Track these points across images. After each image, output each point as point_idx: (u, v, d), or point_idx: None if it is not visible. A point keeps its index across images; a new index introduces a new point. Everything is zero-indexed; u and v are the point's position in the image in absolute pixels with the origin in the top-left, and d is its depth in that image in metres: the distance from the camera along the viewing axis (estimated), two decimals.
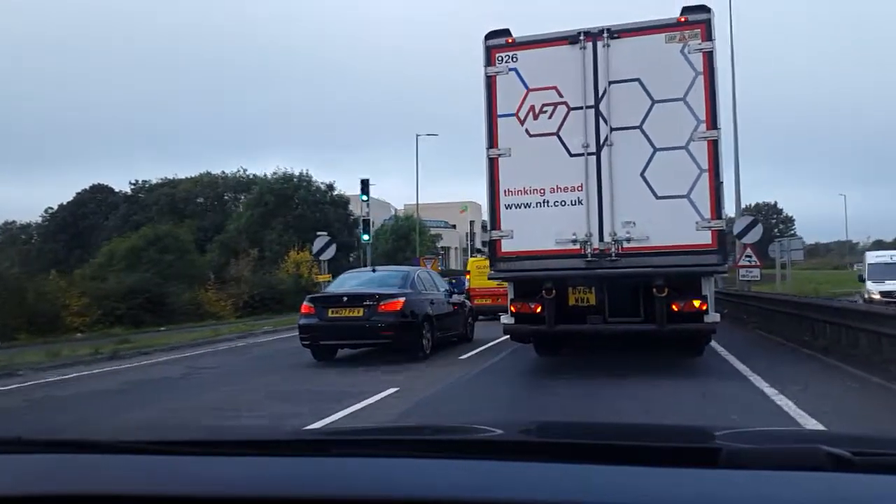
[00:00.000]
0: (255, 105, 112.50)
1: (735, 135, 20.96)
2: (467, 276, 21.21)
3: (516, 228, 8.71)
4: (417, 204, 47.91)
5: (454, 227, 78.61)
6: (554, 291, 8.48)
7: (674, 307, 8.16)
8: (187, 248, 32.46)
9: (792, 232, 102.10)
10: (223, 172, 59.75)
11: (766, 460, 1.11)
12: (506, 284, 16.61)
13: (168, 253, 29.92)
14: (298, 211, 42.62)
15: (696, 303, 8.16)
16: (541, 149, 8.64)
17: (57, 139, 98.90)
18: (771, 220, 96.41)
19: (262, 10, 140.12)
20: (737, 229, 17.48)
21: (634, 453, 1.27)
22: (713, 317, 8.32)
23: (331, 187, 45.49)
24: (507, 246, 8.77)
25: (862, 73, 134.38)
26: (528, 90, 8.72)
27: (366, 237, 25.31)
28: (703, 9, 8.24)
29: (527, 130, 8.71)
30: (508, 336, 9.49)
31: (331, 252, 23.46)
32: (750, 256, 17.46)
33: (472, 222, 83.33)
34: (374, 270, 13.13)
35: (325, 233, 24.76)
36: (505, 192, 8.78)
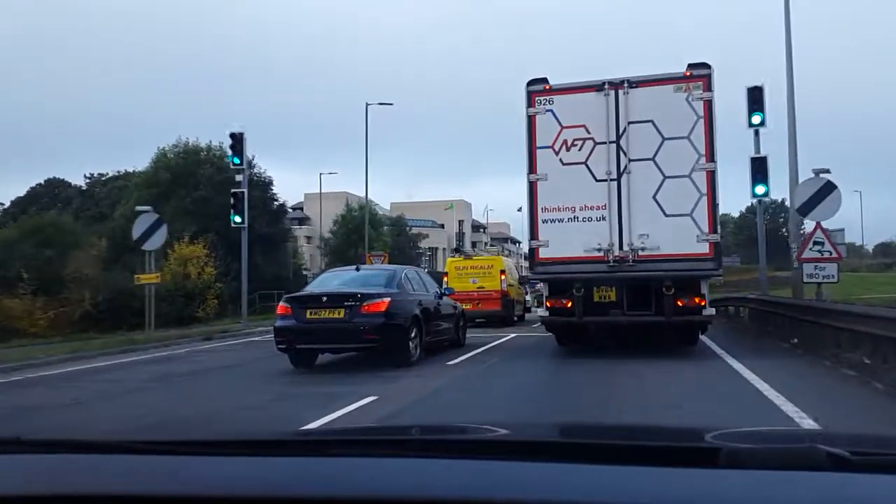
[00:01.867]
0: (248, 104, 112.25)
1: (791, 89, 15.56)
2: (445, 279, 19.68)
3: (551, 239, 10.70)
4: (367, 186, 37.67)
5: (442, 226, 77.17)
6: (582, 290, 10.53)
7: (678, 303, 10.29)
8: (75, 241, 26.45)
9: (801, 231, 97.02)
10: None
11: (765, 460, 1.12)
12: (501, 288, 18.52)
13: (49, 246, 24.02)
14: (201, 192, 33.73)
15: (697, 299, 10.31)
16: (572, 175, 10.65)
17: (21, 130, 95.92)
18: (779, 218, 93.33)
19: (249, 10, 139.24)
20: (798, 201, 12.20)
21: (634, 453, 1.27)
22: (709, 311, 10.51)
23: (248, 164, 39.41)
24: (543, 253, 10.76)
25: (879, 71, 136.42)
26: (562, 127, 10.72)
27: (237, 220, 19.74)
28: (705, 65, 10.38)
29: (560, 160, 10.72)
30: (544, 325, 11.46)
31: (159, 239, 16.94)
32: (821, 243, 11.72)
33: (461, 221, 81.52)
34: (357, 269, 11.93)
35: (149, 208, 17.66)
36: (542, 209, 10.76)
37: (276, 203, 38.84)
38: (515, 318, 20.27)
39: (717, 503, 1.03)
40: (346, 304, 9.95)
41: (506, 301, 19.10)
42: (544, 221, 10.76)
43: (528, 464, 1.19)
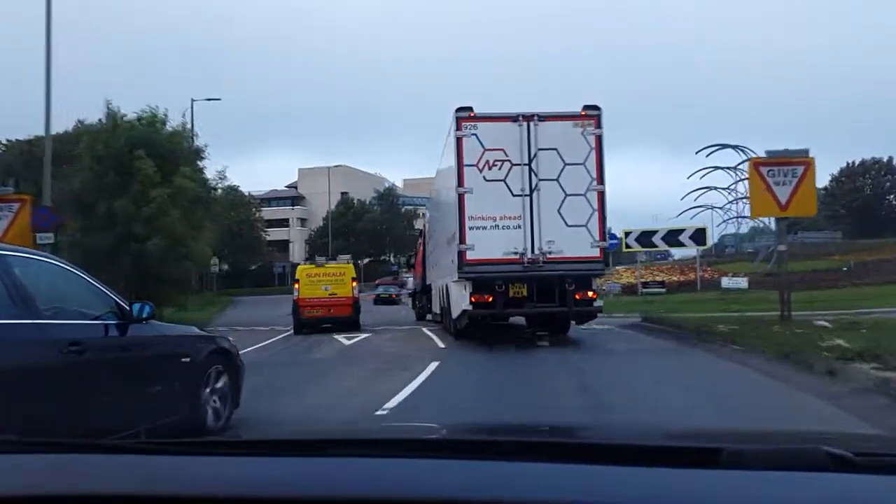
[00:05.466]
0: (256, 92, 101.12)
1: None
2: (296, 286, 19.88)
3: (476, 243, 12.64)
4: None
5: None
6: (503, 287, 12.59)
7: (577, 296, 12.74)
8: None
9: None
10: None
11: (768, 460, 1.13)
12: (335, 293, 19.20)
13: None
14: None
15: (590, 293, 12.85)
16: (493, 190, 12.71)
17: None
18: (884, 181, 75.01)
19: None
20: None
21: (635, 453, 1.29)
22: (599, 302, 13.11)
23: None
24: (470, 255, 12.65)
25: None
26: (485, 150, 12.76)
27: None
28: (596, 108, 13.04)
29: (484, 177, 12.73)
30: (468, 318, 13.23)
31: None
32: None
33: None
34: None
35: None
36: (469, 218, 12.67)
37: None
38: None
39: (720, 503, 1.05)
40: None
41: (356, 307, 19.85)
42: (471, 228, 12.68)
43: (528, 464, 1.20)
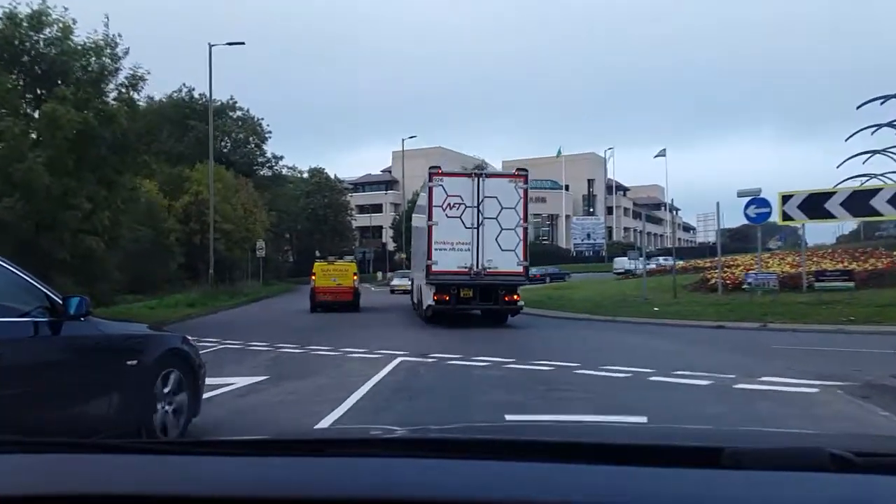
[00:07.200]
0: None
1: None
2: (313, 278, 25.76)
3: (439, 260, 18.62)
4: None
5: (567, 188, 59.63)
6: (456, 290, 18.57)
7: (506, 298, 18.74)
8: None
9: None
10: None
11: (768, 461, 1.14)
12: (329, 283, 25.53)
13: None
14: None
15: (516, 297, 18.85)
16: (452, 224, 18.69)
17: None
18: None
19: None
20: None
21: (635, 453, 1.29)
22: (521, 303, 19.12)
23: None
24: (434, 268, 18.66)
25: None
26: (447, 195, 18.74)
27: None
28: (524, 170, 18.99)
29: (446, 214, 18.72)
30: (432, 311, 19.19)
31: None
32: None
33: (590, 181, 60.31)
34: None
35: None
36: (435, 242, 18.66)
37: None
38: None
39: (721, 503, 1.06)
40: None
41: (356, 294, 26.06)
42: (436, 249, 18.68)
43: (527, 464, 1.22)
